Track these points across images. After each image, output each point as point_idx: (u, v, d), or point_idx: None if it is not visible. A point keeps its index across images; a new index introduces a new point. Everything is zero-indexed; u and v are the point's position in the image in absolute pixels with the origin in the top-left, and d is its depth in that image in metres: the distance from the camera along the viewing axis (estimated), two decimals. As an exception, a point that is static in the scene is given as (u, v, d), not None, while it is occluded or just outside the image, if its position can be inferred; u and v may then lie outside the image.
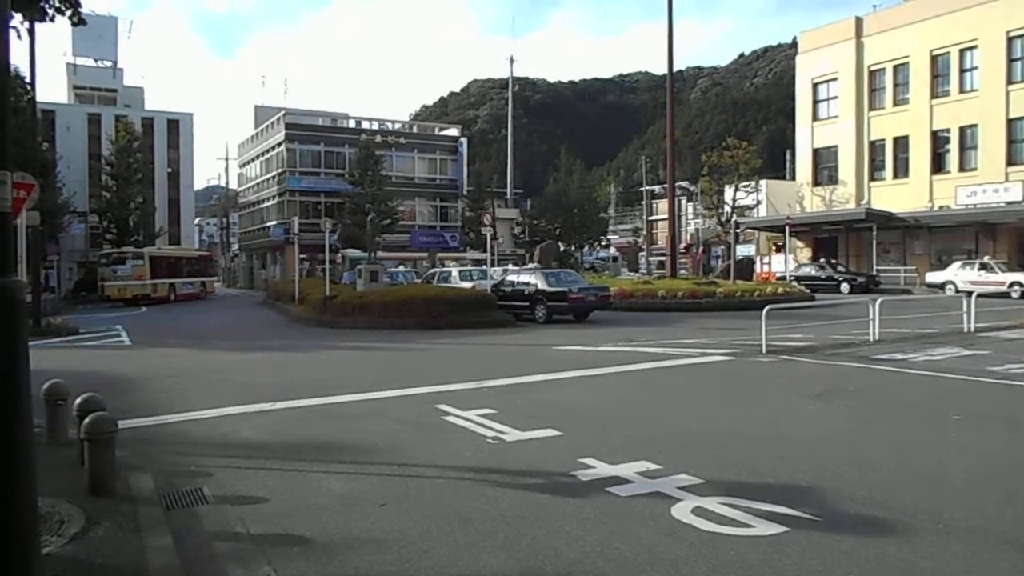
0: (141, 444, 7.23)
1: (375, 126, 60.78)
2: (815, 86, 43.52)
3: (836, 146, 42.07)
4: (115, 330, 21.83)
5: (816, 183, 43.21)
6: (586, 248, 70.65)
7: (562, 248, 56.25)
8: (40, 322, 20.73)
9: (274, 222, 56.64)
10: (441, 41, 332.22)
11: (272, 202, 58.46)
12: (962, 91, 36.68)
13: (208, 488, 5.80)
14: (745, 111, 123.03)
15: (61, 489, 5.34)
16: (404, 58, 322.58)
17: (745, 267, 40.96)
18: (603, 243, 74.58)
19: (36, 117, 24.29)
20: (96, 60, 63.00)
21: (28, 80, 23.45)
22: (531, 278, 22.83)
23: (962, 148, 36.79)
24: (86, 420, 5.51)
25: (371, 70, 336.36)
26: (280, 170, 56.21)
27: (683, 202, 63.04)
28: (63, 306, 34.34)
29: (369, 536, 4.73)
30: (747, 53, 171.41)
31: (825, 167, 43.16)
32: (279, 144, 56.38)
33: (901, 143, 39.22)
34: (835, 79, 42.20)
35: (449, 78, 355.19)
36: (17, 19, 7.23)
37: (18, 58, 50.60)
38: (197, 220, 77.22)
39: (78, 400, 6.23)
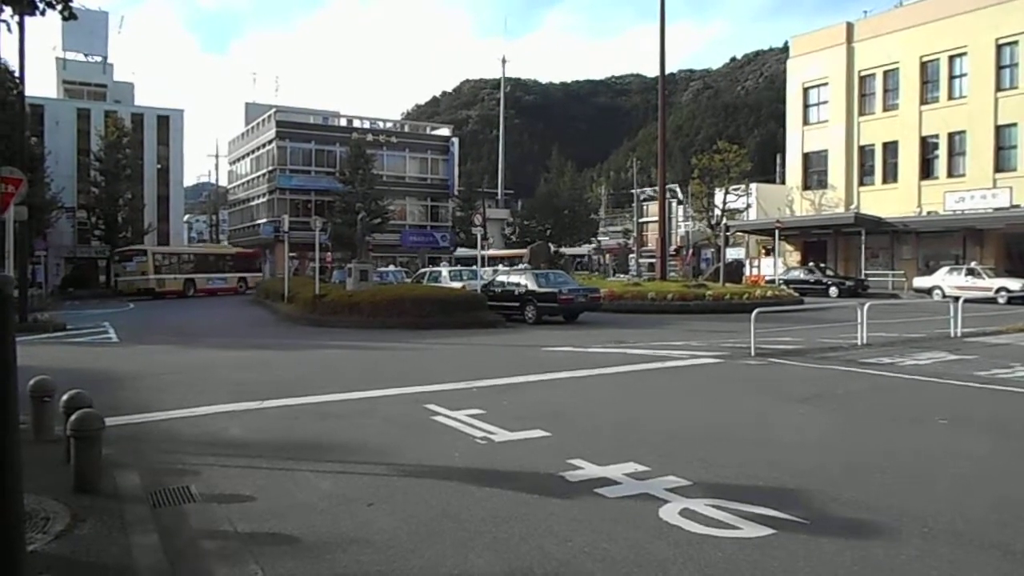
0: (128, 441, 7.18)
1: (366, 125, 60.74)
2: (806, 90, 43.71)
3: (826, 150, 42.25)
4: (102, 327, 21.70)
5: (806, 187, 43.40)
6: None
7: (554, 249, 56.35)
8: (27, 318, 20.61)
9: (264, 220, 56.46)
10: (434, 41, 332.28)
11: (262, 200, 58.25)
12: (951, 97, 36.92)
13: (195, 486, 5.77)
14: (736, 114, 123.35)
15: (47, 486, 5.30)
16: (397, 57, 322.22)
17: (734, 270, 41.07)
18: (594, 245, 74.82)
19: (25, 111, 24.11)
20: (86, 55, 62.53)
21: (17, 74, 23.31)
22: (521, 279, 22.82)
23: (951, 154, 37.01)
24: (72, 417, 5.47)
25: (363, 69, 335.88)
26: (270, 168, 56.03)
27: (673, 204, 63.24)
28: (50, 302, 34.15)
29: (357, 535, 4.72)
30: (739, 57, 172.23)
31: (815, 171, 43.35)
32: (270, 142, 56.21)
33: (890, 148, 39.44)
34: (826, 84, 42.39)
35: (441, 78, 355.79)
36: (7, 12, 7.16)
37: (7, 52, 50.21)
38: (186, 217, 76.86)
39: (64, 397, 6.19)
